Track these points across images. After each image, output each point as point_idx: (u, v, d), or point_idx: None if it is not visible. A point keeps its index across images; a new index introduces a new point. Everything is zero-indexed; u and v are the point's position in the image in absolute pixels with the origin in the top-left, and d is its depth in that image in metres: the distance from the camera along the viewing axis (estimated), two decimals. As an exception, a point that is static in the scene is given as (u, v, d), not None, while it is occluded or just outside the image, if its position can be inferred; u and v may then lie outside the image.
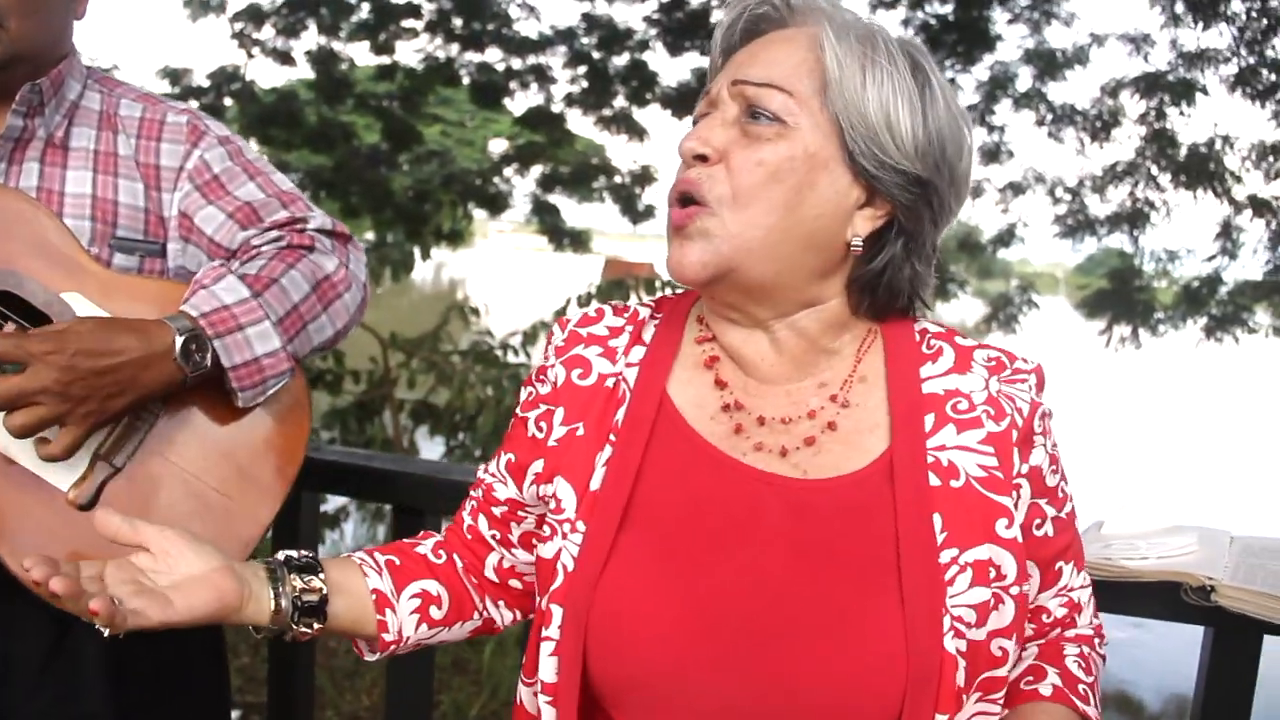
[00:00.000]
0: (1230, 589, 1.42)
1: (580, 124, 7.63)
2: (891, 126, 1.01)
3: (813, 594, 1.00)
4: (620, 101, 7.28)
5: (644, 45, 7.10)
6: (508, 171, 7.74)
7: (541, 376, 1.17)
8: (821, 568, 1.01)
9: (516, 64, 7.25)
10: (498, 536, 1.22)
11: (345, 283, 1.54)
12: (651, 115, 7.35)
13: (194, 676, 1.65)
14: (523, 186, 7.80)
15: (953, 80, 6.64)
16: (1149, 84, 6.35)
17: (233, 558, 1.12)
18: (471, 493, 1.25)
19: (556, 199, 7.80)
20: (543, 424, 1.14)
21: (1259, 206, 6.45)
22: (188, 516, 1.42)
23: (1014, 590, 1.02)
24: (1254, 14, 6.15)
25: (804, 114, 1.02)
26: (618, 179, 7.52)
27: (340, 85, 7.29)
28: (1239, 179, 6.43)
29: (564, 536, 1.06)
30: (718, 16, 5.30)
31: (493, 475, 1.22)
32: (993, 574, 1.01)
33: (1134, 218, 6.54)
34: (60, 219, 1.43)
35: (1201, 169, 6.38)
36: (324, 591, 1.11)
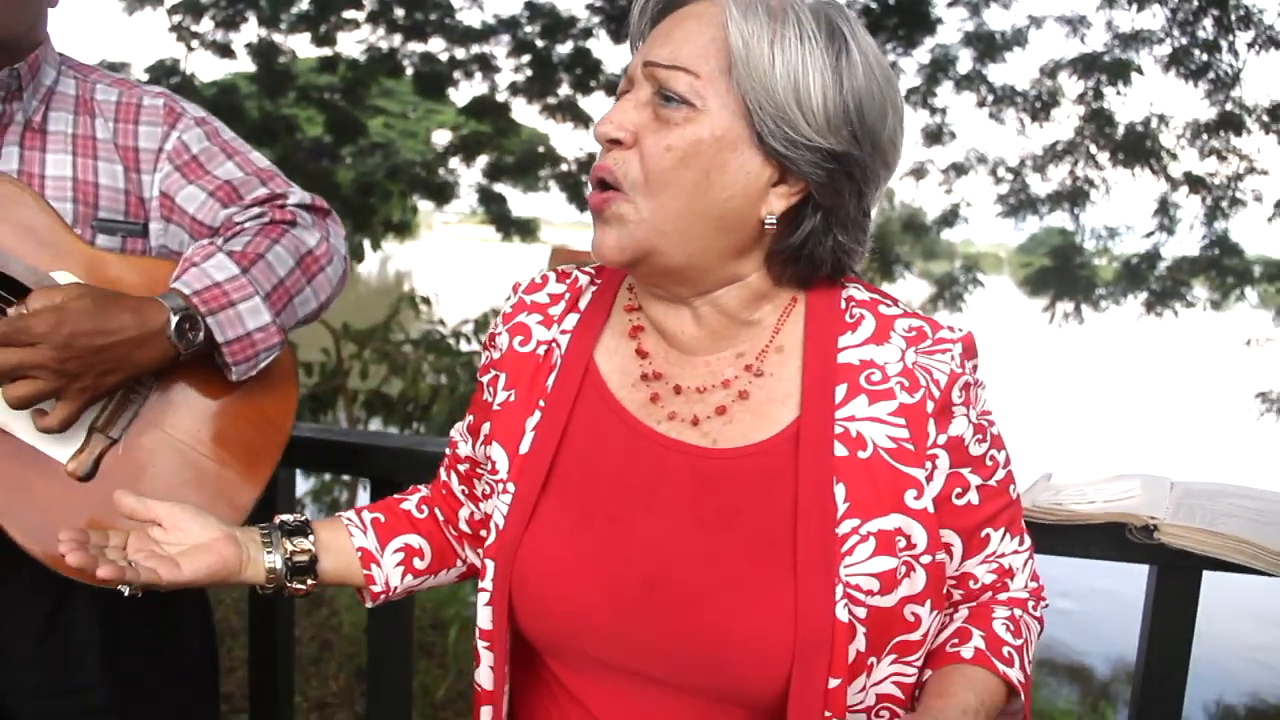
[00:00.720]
0: (1171, 527, 1.53)
1: (525, 113, 7.70)
2: (802, 103, 1.01)
3: (710, 560, 1.05)
4: (565, 90, 7.33)
5: (587, 33, 7.16)
6: (453, 162, 7.75)
7: (492, 343, 1.24)
8: (720, 535, 1.06)
9: (460, 54, 7.29)
10: (465, 491, 1.31)
11: (327, 256, 1.61)
12: (596, 103, 7.41)
13: (184, 648, 1.70)
14: (469, 177, 7.83)
15: (894, 64, 6.76)
16: (1086, 65, 6.53)
17: (228, 523, 1.23)
18: (446, 450, 1.35)
19: (502, 188, 7.84)
20: (491, 388, 1.21)
21: (1194, 183, 6.67)
22: (183, 485, 1.48)
23: (925, 559, 1.04)
24: (1186, -5, 6.36)
25: (711, 95, 1.02)
26: (564, 167, 7.56)
27: (282, 78, 7.26)
28: (1175, 156, 6.64)
29: (497, 496, 1.13)
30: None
31: (459, 434, 1.32)
32: (902, 543, 1.03)
33: (1074, 196, 6.73)
34: (45, 200, 1.48)
35: (1138, 147, 6.58)
36: (313, 552, 1.23)
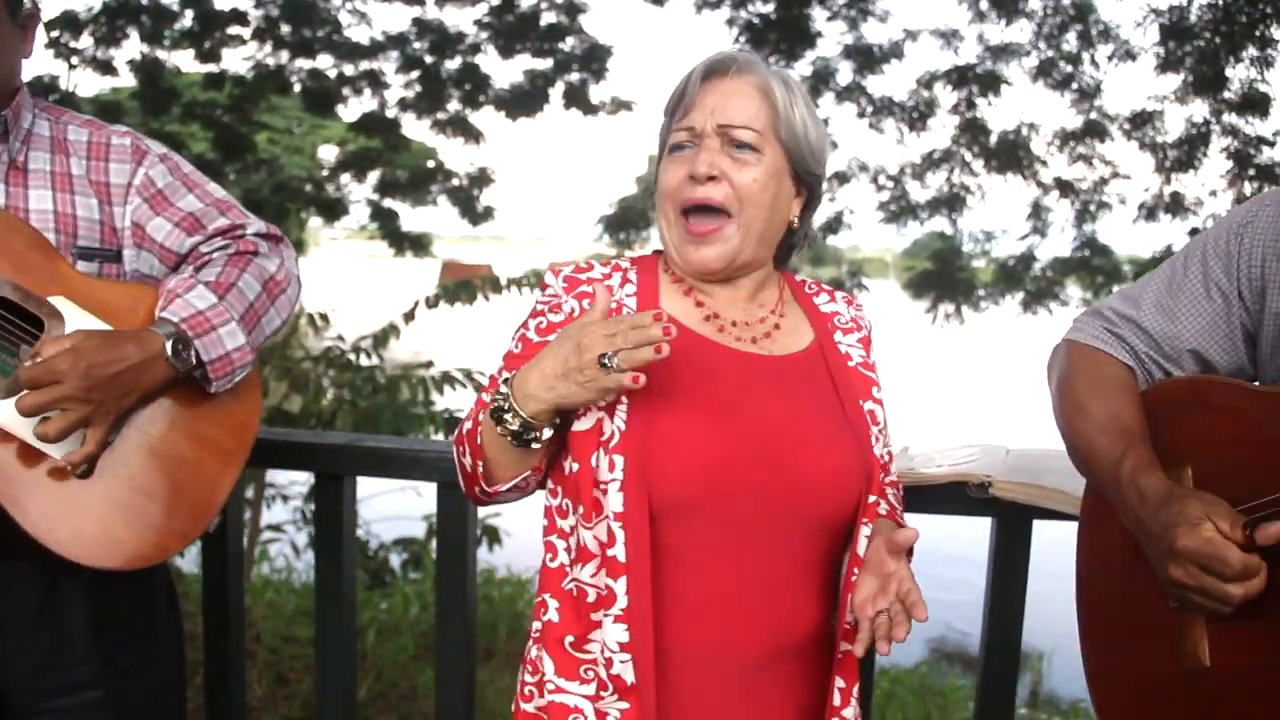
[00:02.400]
0: (1003, 483, 1.90)
1: (415, 128, 7.89)
2: (810, 145, 1.61)
3: (793, 423, 1.54)
4: (454, 105, 7.58)
5: (475, 49, 7.41)
6: (344, 178, 7.94)
7: (556, 308, 1.61)
8: (794, 406, 1.56)
9: (349, 70, 7.48)
10: None
11: (286, 279, 1.90)
12: (486, 117, 7.68)
13: (158, 621, 1.97)
14: (359, 192, 8.02)
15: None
16: (959, 76, 7.00)
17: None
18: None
19: (393, 204, 8.04)
20: None
21: (1064, 187, 7.20)
22: (165, 480, 1.76)
23: (885, 431, 1.66)
24: (1049, 10, 6.86)
25: (766, 144, 1.57)
26: (455, 182, 7.80)
27: (165, 95, 7.38)
28: (1044, 163, 7.17)
29: (610, 413, 1.47)
30: (548, 19, 5.70)
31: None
32: (878, 419, 1.64)
33: (952, 202, 7.18)
34: (38, 231, 1.75)
35: (1011, 154, 7.07)
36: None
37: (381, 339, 5.94)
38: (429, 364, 5.80)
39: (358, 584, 4.72)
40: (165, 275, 1.87)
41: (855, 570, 1.48)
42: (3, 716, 1.85)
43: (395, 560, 5.93)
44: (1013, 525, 2.04)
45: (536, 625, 1.59)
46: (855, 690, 1.55)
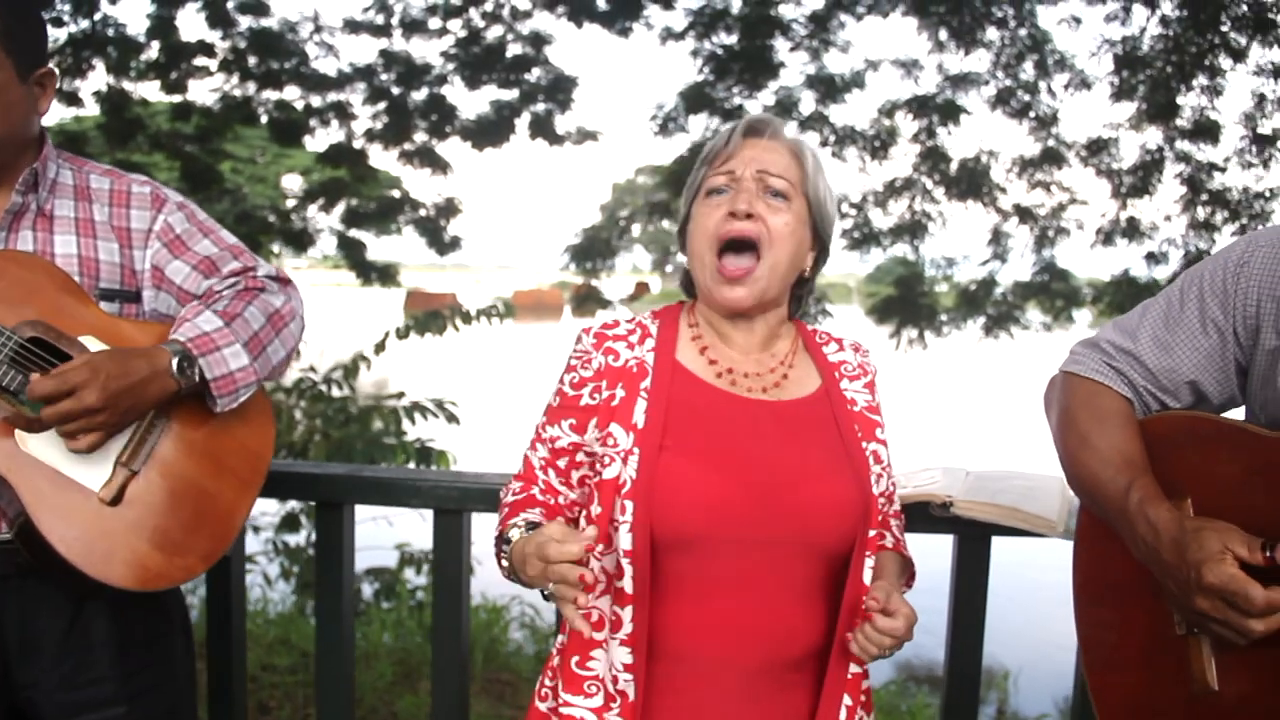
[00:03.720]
0: (963, 502, 2.10)
1: (382, 159, 8.06)
2: (826, 206, 1.84)
3: (797, 463, 1.71)
4: (421, 136, 7.78)
5: (442, 80, 7.64)
6: (311, 209, 8.08)
7: (587, 364, 1.81)
8: (800, 450, 1.73)
9: (316, 101, 7.67)
10: (560, 481, 1.82)
11: (291, 315, 2.08)
12: (452, 148, 7.83)
13: (173, 641, 2.12)
14: (324, 222, 8.16)
15: (741, 106, 7.35)
16: (920, 105, 7.24)
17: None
18: (536, 453, 1.85)
19: (360, 234, 8.19)
20: (595, 395, 1.78)
21: (1023, 214, 7.46)
22: (188, 507, 1.93)
23: (888, 470, 1.86)
24: (1007, 40, 7.13)
25: (794, 196, 1.79)
26: (422, 212, 7.98)
27: (131, 125, 7.51)
28: (1004, 190, 7.42)
29: (624, 462, 1.67)
30: (514, 50, 5.91)
31: (552, 439, 1.82)
32: (881, 458, 1.82)
33: (914, 228, 7.41)
34: (70, 277, 1.91)
35: (971, 182, 7.32)
36: None
37: (352, 369, 6.09)
38: (400, 394, 5.95)
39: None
40: None
41: (863, 598, 1.67)
42: None
43: (368, 590, 6.06)
44: (973, 542, 2.25)
45: (561, 639, 1.80)
46: (860, 710, 1.75)
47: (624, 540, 1.64)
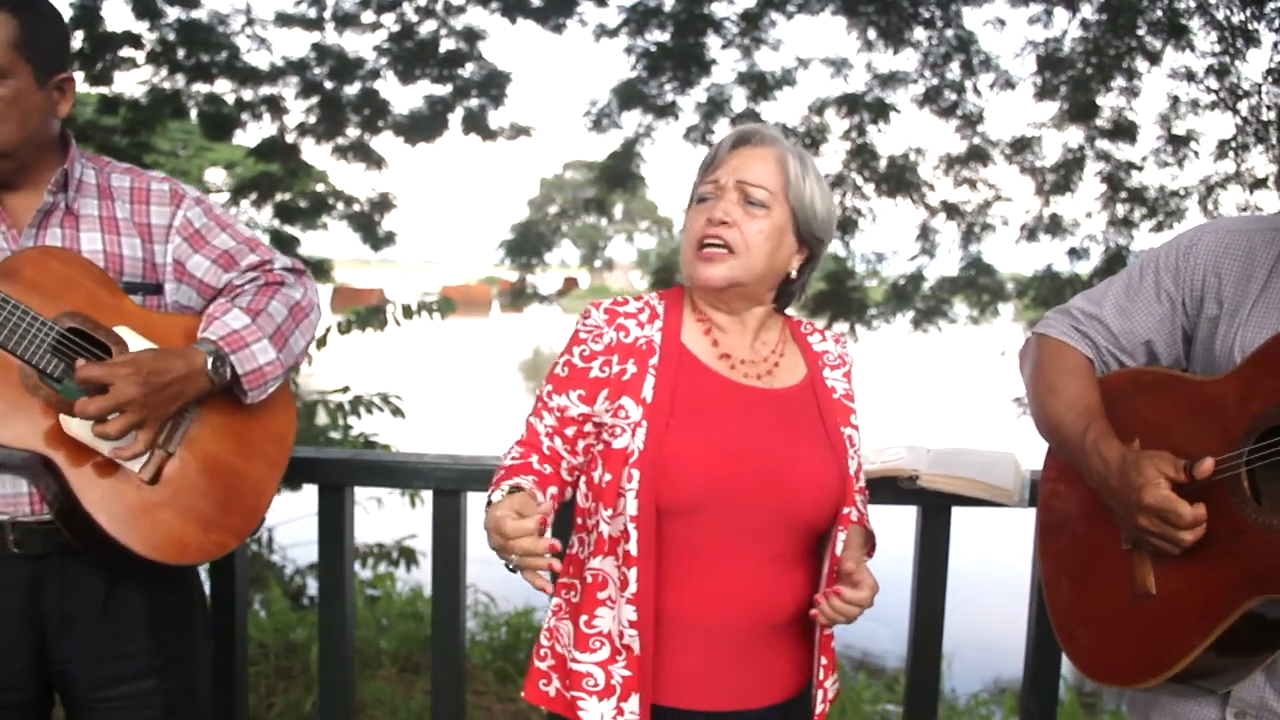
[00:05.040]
0: (928, 475, 2.36)
1: (315, 154, 8.12)
2: (815, 210, 2.00)
3: (786, 446, 1.92)
4: (354, 130, 7.88)
5: (375, 74, 7.74)
6: (244, 204, 8.11)
7: (598, 338, 1.99)
8: (788, 435, 1.95)
9: (248, 95, 7.72)
10: (567, 449, 1.98)
11: (310, 306, 2.26)
12: (385, 143, 7.95)
13: (195, 617, 2.30)
14: (256, 218, 8.18)
15: (674, 103, 7.59)
16: (850, 103, 7.53)
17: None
18: (543, 421, 1.99)
19: (292, 230, 8.21)
20: (606, 368, 1.96)
21: (950, 210, 7.80)
22: (220, 486, 2.10)
23: (858, 452, 2.05)
24: (934, 41, 7.44)
25: (775, 204, 1.96)
26: (356, 207, 8.07)
27: (56, 118, 7.47)
28: (932, 187, 7.75)
29: (632, 433, 1.87)
30: (447, 45, 6.07)
31: (561, 407, 1.98)
32: (854, 441, 2.03)
33: (845, 224, 7.64)
34: (104, 271, 2.07)
35: (900, 178, 7.61)
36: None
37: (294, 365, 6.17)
38: (345, 388, 6.08)
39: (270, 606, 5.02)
40: (202, 306, 2.21)
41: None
42: (66, 703, 2.17)
43: (314, 586, 6.17)
44: (937, 511, 2.51)
45: (558, 601, 2.00)
46: (833, 668, 2.00)
47: (630, 506, 1.84)
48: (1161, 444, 1.76)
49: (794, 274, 2.06)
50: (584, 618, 1.90)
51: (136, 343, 2.04)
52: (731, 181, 1.97)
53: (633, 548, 1.84)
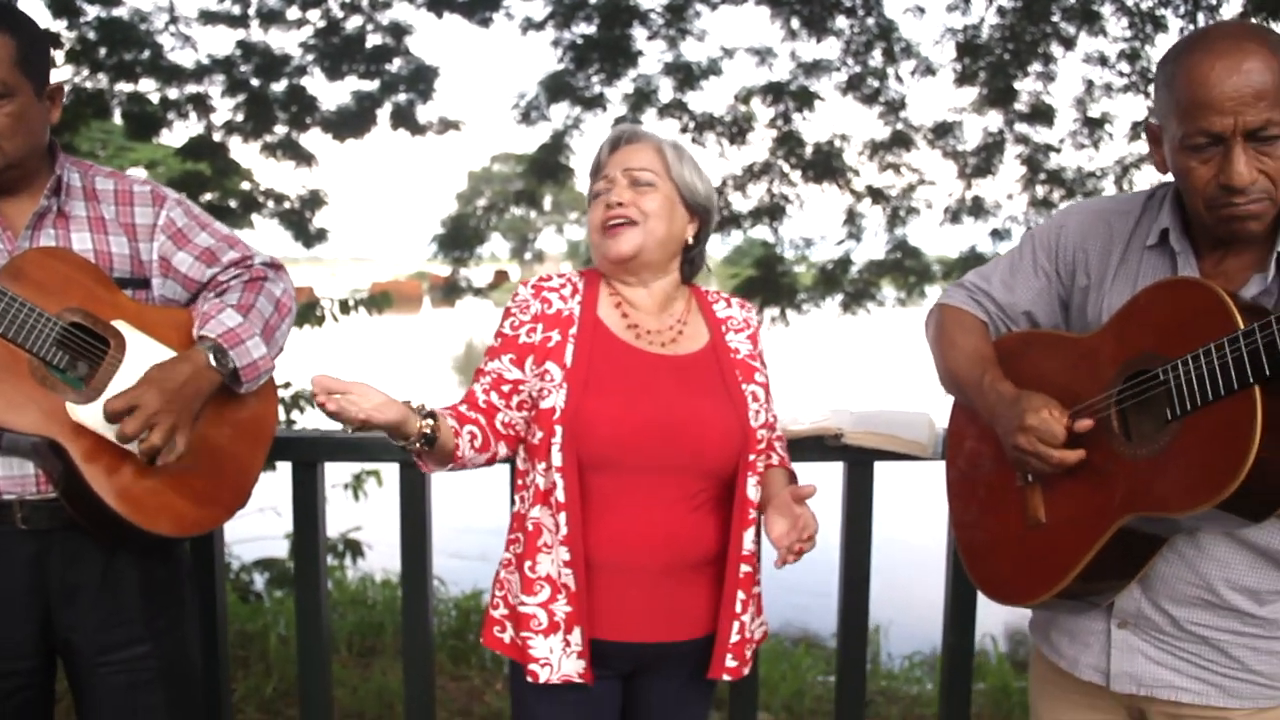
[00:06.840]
0: (852, 433, 2.69)
1: (243, 152, 8.19)
2: (695, 185, 2.36)
3: (689, 403, 2.22)
4: (282, 128, 7.98)
5: (302, 71, 7.85)
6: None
7: (525, 309, 2.31)
8: (692, 393, 2.25)
9: (173, 94, 7.81)
10: (503, 404, 2.27)
11: (290, 299, 2.52)
12: (314, 139, 7.99)
13: (184, 588, 2.56)
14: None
15: (601, 94, 7.83)
16: (775, 92, 7.86)
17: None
18: (480, 382, 2.28)
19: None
20: (531, 334, 2.28)
21: (875, 195, 8.19)
22: (212, 464, 2.36)
23: (767, 406, 2.35)
24: (855, 29, 7.78)
25: (661, 181, 2.32)
26: (287, 205, 8.17)
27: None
28: (857, 172, 8.12)
29: (554, 394, 2.18)
30: (374, 40, 6.28)
31: (496, 370, 2.28)
32: (759, 397, 2.32)
33: (772, 211, 8.02)
34: (99, 268, 2.32)
35: (825, 165, 7.96)
36: (437, 427, 2.05)
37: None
38: (287, 384, 6.29)
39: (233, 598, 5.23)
40: (187, 300, 2.46)
41: (749, 511, 2.22)
42: (69, 669, 2.42)
43: (260, 581, 6.39)
44: (861, 466, 2.85)
45: (506, 555, 2.30)
46: (752, 603, 2.29)
47: (556, 458, 2.15)
48: (1049, 390, 2.06)
49: (690, 240, 2.39)
50: (527, 564, 2.19)
51: (132, 334, 2.29)
52: (619, 172, 2.32)
53: (560, 495, 2.14)
